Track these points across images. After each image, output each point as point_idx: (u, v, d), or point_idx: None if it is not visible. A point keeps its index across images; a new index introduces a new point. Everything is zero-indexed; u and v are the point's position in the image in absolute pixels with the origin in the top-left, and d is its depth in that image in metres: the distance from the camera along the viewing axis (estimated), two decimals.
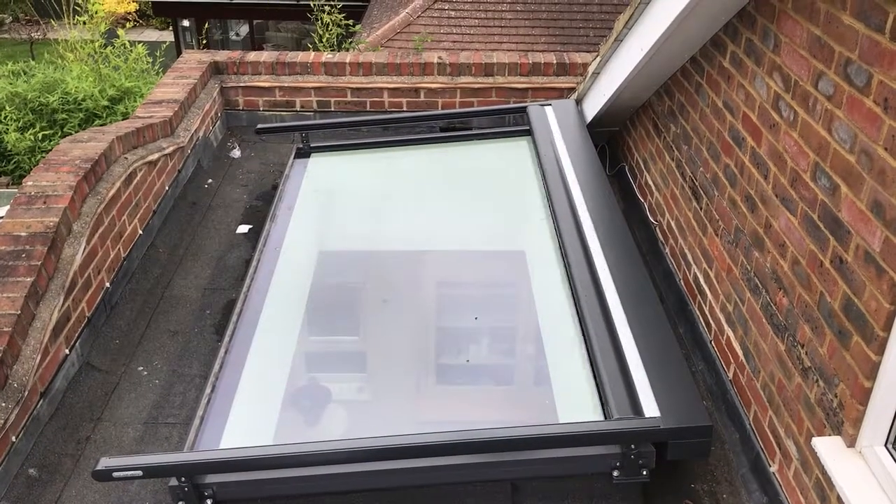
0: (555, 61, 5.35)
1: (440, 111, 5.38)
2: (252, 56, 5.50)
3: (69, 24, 11.58)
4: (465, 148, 4.95)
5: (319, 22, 10.37)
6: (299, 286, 3.79)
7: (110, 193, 3.73)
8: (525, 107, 4.91)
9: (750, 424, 2.92)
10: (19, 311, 2.96)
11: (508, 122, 5.30)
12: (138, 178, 4.07)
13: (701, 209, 3.48)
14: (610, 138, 4.96)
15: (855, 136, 2.25)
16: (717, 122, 3.32)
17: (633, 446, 2.64)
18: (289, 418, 3.11)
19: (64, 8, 11.86)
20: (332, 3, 10.45)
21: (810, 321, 2.50)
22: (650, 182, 4.24)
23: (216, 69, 5.45)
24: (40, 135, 9.55)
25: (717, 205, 3.29)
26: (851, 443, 2.28)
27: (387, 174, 4.85)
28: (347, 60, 5.39)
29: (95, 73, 9.99)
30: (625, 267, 3.41)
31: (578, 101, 4.84)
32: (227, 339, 3.34)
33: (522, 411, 3.17)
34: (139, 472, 2.59)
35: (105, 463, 2.57)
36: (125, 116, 8.94)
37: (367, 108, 5.45)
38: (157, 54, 11.22)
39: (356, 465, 2.68)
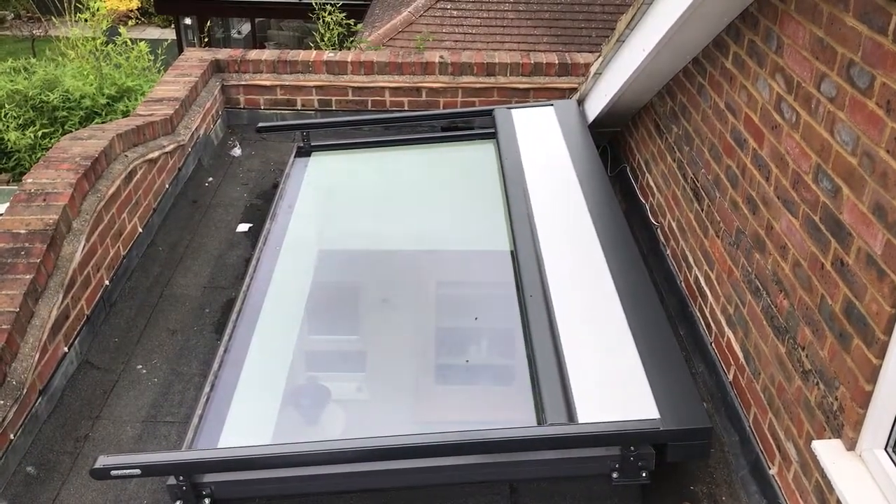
0: (557, 61, 5.34)
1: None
2: (253, 54, 5.49)
3: (71, 21, 11.57)
4: (463, 148, 4.95)
5: (321, 21, 10.37)
6: (299, 285, 3.78)
7: (110, 191, 3.72)
8: (492, 110, 4.91)
9: (750, 426, 2.91)
10: (18, 309, 2.96)
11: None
12: (138, 175, 4.06)
13: (702, 210, 3.47)
14: (611, 139, 4.95)
15: (857, 138, 2.24)
16: (718, 124, 3.31)
17: (632, 448, 2.63)
18: (287, 418, 3.11)
19: (65, 5, 11.85)
20: (334, 1, 10.45)
21: (811, 324, 2.49)
22: (651, 183, 4.23)
23: (217, 67, 5.45)
24: (40, 132, 9.55)
25: (719, 206, 3.28)
26: (851, 446, 2.28)
27: (387, 173, 4.84)
28: (349, 59, 5.39)
29: (96, 71, 9.98)
30: (625, 268, 3.40)
31: (580, 102, 4.83)
32: (226, 337, 3.33)
33: (521, 412, 3.16)
34: (137, 471, 2.58)
35: (103, 461, 2.56)
36: (126, 114, 8.93)
37: (369, 108, 5.44)
38: (159, 52, 11.20)
39: (354, 465, 2.68)
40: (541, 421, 2.72)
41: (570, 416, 2.69)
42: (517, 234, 3.68)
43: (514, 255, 3.57)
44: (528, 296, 3.26)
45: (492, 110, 4.90)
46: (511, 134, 4.57)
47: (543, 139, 4.55)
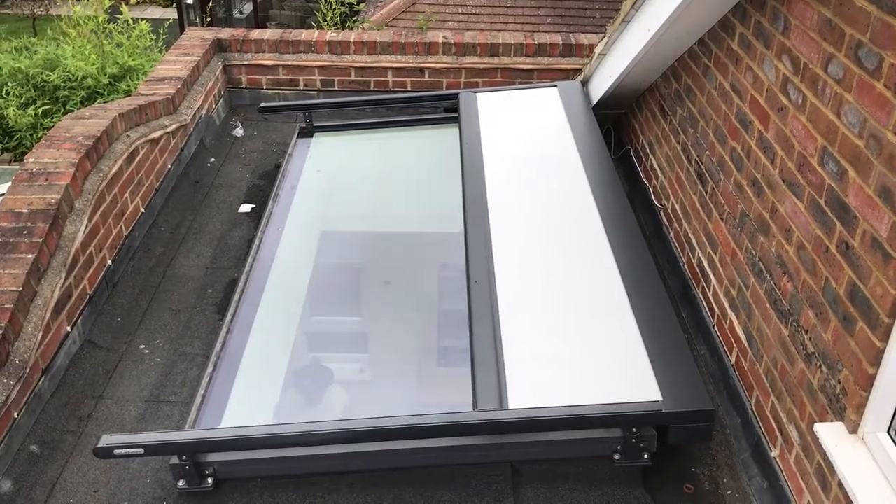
0: (561, 42, 5.31)
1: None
2: (256, 34, 5.46)
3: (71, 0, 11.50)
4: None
5: (323, 0, 10.31)
6: (301, 266, 3.78)
7: (112, 171, 3.71)
8: (457, 93, 4.89)
9: (752, 409, 2.91)
10: (21, 288, 2.96)
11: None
12: (140, 155, 4.05)
13: (706, 193, 3.46)
14: (616, 121, 4.93)
15: (864, 120, 2.22)
16: (724, 105, 3.29)
17: (634, 429, 2.64)
18: (289, 398, 3.12)
19: None
20: None
21: (814, 307, 2.48)
22: (655, 165, 4.21)
23: (220, 47, 5.41)
24: (42, 111, 9.52)
25: (723, 189, 3.27)
26: (854, 429, 2.28)
27: (390, 155, 4.83)
28: (352, 39, 5.35)
29: (98, 51, 9.93)
30: (628, 250, 3.40)
31: (584, 83, 4.80)
32: (228, 318, 3.34)
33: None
34: (140, 450, 2.60)
35: (106, 440, 2.58)
36: (128, 94, 8.89)
37: (371, 88, 5.41)
38: (161, 32, 11.15)
39: (355, 445, 2.69)
40: (474, 406, 2.70)
41: (501, 402, 2.67)
42: (469, 217, 3.62)
43: (465, 237, 3.52)
44: (475, 279, 3.24)
45: (457, 94, 4.88)
46: (473, 118, 4.53)
47: (547, 120, 4.52)
